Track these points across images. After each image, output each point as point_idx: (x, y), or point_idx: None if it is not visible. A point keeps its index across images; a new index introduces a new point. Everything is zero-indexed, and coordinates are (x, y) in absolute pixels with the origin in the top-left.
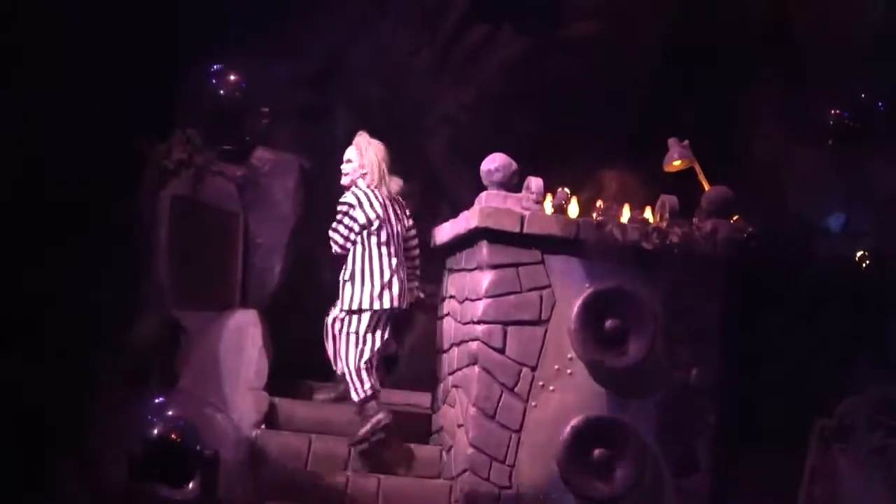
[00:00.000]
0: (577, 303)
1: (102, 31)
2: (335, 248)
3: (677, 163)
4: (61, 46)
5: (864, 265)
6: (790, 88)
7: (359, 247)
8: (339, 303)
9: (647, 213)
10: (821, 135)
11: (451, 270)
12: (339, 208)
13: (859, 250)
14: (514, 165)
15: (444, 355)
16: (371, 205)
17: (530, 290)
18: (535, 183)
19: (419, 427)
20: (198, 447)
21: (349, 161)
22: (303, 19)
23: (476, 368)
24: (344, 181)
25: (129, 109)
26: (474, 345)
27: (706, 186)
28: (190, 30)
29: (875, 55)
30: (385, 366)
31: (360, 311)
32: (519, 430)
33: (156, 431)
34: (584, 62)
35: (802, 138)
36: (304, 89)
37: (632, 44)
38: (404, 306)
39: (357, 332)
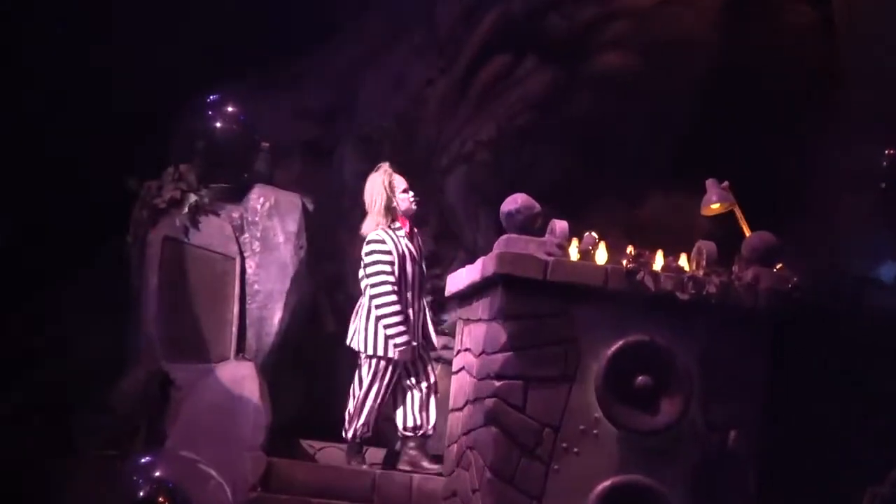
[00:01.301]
0: (605, 357)
1: (98, 61)
2: None
3: (716, 206)
4: (55, 78)
5: None
6: (840, 128)
7: None
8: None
9: (683, 261)
10: (872, 178)
11: (468, 321)
12: None
13: None
14: (537, 207)
15: (459, 413)
16: None
17: (553, 343)
18: (559, 226)
19: (430, 492)
20: None
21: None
22: (311, 49)
23: (493, 428)
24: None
25: (125, 146)
26: (491, 402)
27: (747, 232)
28: (192, 61)
29: None
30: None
31: None
32: (539, 497)
33: (142, 494)
34: (614, 96)
35: (853, 182)
36: (310, 124)
37: (667, 77)
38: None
39: None
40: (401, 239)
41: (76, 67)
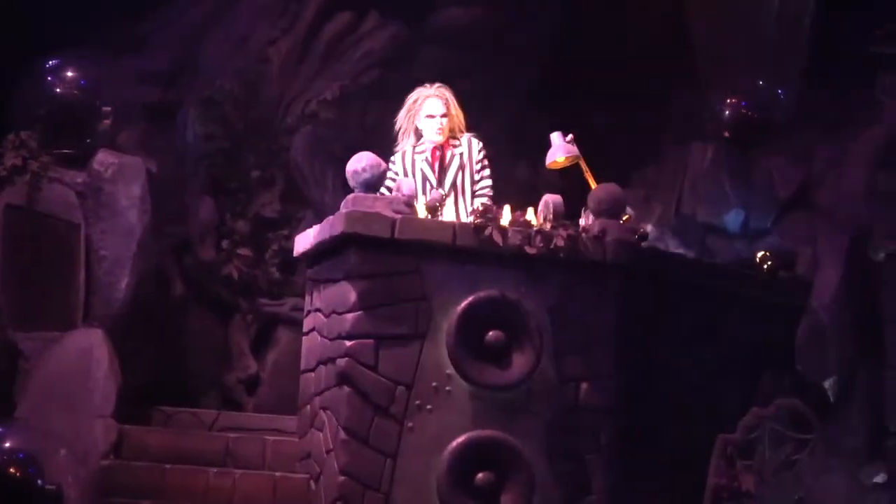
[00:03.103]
0: (455, 314)
1: None
2: None
3: (561, 159)
4: None
5: (765, 267)
6: (686, 81)
7: None
8: None
9: (530, 215)
10: (718, 128)
11: (317, 281)
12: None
13: (760, 251)
14: (384, 165)
15: (311, 374)
16: None
17: (404, 301)
18: (406, 184)
19: (285, 454)
20: (39, 482)
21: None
22: (154, 10)
23: (345, 388)
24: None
25: None
26: (343, 362)
27: (593, 184)
28: (30, 23)
29: (775, 50)
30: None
31: None
32: (394, 455)
33: None
34: (460, 51)
35: (699, 133)
36: (153, 86)
37: (515, 32)
38: None
39: None
40: (418, 162)
41: None
